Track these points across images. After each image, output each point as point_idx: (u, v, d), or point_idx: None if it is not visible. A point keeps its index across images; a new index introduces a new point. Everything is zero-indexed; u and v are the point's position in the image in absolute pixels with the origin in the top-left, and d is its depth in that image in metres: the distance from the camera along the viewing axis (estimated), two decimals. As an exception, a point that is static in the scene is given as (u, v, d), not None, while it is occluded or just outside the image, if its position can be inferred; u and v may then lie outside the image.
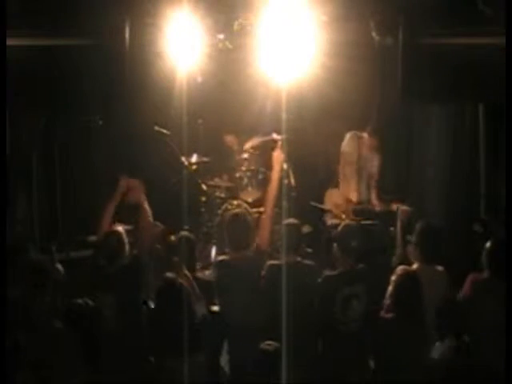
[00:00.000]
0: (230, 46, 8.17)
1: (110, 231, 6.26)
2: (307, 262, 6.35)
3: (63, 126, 8.84)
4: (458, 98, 7.79)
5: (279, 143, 7.22)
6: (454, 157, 8.76)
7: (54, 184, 8.81)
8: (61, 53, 7.23)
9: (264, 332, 5.92)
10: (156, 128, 8.63)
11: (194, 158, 8.84)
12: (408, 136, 9.04)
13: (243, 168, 8.76)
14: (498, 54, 6.56)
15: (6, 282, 5.62)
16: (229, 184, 8.88)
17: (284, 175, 8.01)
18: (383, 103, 8.31)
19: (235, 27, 7.88)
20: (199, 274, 6.82)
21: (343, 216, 8.13)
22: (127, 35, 7.19)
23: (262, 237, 6.49)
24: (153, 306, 6.13)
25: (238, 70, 8.44)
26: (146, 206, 6.40)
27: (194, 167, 8.82)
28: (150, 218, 6.36)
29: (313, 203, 8.50)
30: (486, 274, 5.97)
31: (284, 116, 7.23)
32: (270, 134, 8.48)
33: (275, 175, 6.77)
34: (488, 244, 5.99)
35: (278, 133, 8.24)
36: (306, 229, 7.74)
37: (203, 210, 8.81)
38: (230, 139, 9.22)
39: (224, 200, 8.67)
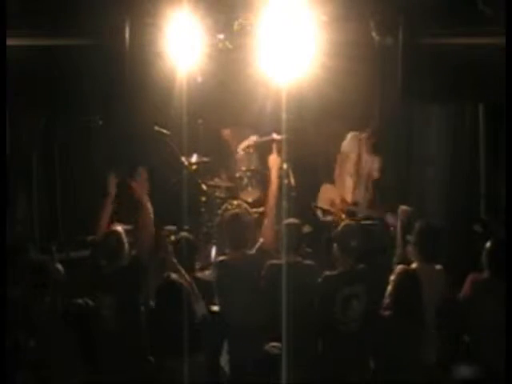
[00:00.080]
0: (230, 46, 8.17)
1: (110, 231, 6.26)
2: (307, 261, 6.35)
3: (63, 126, 8.83)
4: (458, 98, 7.80)
5: (274, 146, 7.21)
6: (454, 157, 8.75)
7: (54, 184, 8.81)
8: (61, 53, 7.24)
9: (264, 332, 5.92)
10: (156, 128, 8.62)
11: (194, 158, 8.83)
12: (408, 136, 9.04)
13: (243, 168, 8.75)
14: (497, 54, 6.56)
15: (6, 281, 5.62)
16: (229, 184, 8.88)
17: (284, 175, 8.01)
18: (383, 103, 8.31)
19: (235, 27, 7.88)
20: (199, 274, 6.82)
21: (337, 214, 8.14)
22: (127, 35, 7.20)
23: (267, 237, 6.48)
24: (152, 306, 6.12)
25: (237, 70, 8.43)
26: (148, 204, 6.39)
27: (194, 167, 8.81)
28: (151, 216, 6.35)
29: (314, 204, 8.50)
30: (486, 274, 5.96)
31: (284, 116, 7.22)
32: (269, 133, 8.48)
33: (274, 179, 6.77)
34: (488, 244, 5.99)
35: (278, 133, 8.24)
36: (306, 229, 7.73)
37: (203, 209, 8.80)
38: (227, 133, 9.22)
39: (224, 200, 8.66)
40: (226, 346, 6.38)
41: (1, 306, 5.38)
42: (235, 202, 8.48)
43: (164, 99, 8.21)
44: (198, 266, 7.02)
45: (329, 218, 8.27)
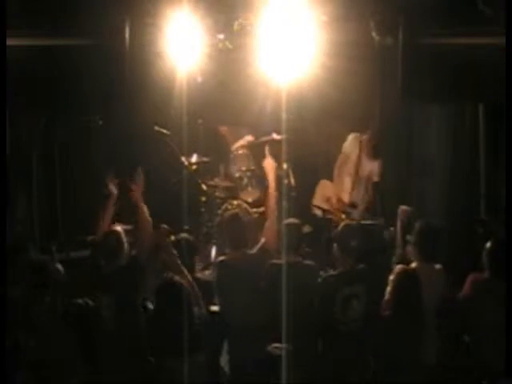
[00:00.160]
0: (230, 46, 8.16)
1: (109, 231, 6.26)
2: (307, 262, 6.35)
3: (63, 126, 8.83)
4: (458, 98, 7.80)
5: (267, 149, 7.20)
6: (454, 157, 8.75)
7: (54, 184, 8.81)
8: (61, 53, 7.24)
9: (264, 332, 5.93)
10: (156, 128, 8.62)
11: (194, 158, 8.83)
12: (408, 136, 9.03)
13: (243, 168, 8.75)
14: (497, 54, 6.56)
15: (6, 281, 5.62)
16: (229, 184, 8.88)
17: (284, 175, 8.01)
18: (383, 103, 8.30)
19: (235, 27, 7.88)
20: (199, 274, 6.82)
21: (336, 214, 8.15)
22: (127, 35, 7.20)
23: (268, 237, 6.48)
24: (152, 307, 6.12)
25: (237, 70, 8.43)
26: (144, 207, 6.39)
27: (194, 167, 8.81)
28: (148, 217, 6.35)
29: (314, 205, 8.50)
30: (486, 274, 5.96)
31: (284, 116, 7.23)
32: (269, 133, 8.48)
33: (271, 183, 6.78)
34: (488, 244, 5.99)
35: (278, 133, 8.24)
36: (306, 229, 7.73)
37: (203, 209, 8.80)
38: (224, 129, 9.23)
39: (224, 200, 8.66)
40: (226, 346, 6.38)
41: (1, 306, 5.38)
42: (235, 202, 8.47)
43: (164, 99, 8.20)
44: (198, 266, 7.03)
45: (328, 216, 8.26)
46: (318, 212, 8.44)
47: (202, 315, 5.99)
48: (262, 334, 5.95)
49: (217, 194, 8.81)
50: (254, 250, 6.45)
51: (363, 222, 7.89)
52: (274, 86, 7.64)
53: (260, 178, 8.51)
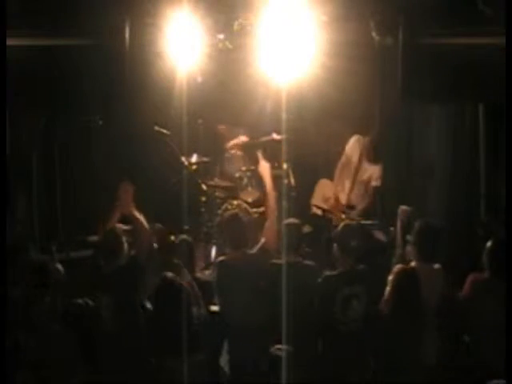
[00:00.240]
0: (230, 46, 8.16)
1: (108, 230, 6.27)
2: (307, 262, 6.36)
3: (63, 126, 8.82)
4: (458, 98, 7.79)
5: (260, 154, 7.19)
6: (454, 157, 8.74)
7: (54, 184, 8.80)
8: (61, 53, 7.24)
9: (264, 332, 5.93)
10: (156, 128, 8.62)
11: (194, 158, 8.83)
12: (408, 136, 9.02)
13: (243, 168, 8.75)
14: (497, 54, 6.56)
15: (6, 281, 5.62)
16: (229, 184, 8.88)
17: (284, 175, 8.02)
18: (383, 103, 8.30)
19: (235, 27, 7.87)
20: (199, 274, 6.83)
21: (336, 214, 8.15)
22: (127, 35, 7.19)
23: (269, 237, 6.48)
24: (151, 307, 6.12)
25: (237, 70, 8.43)
26: (137, 213, 6.37)
27: (194, 167, 8.81)
28: (145, 224, 6.34)
29: (314, 204, 8.50)
30: (486, 274, 5.96)
31: (284, 116, 7.23)
32: (270, 133, 8.48)
33: (269, 185, 6.78)
34: (488, 244, 5.99)
35: (278, 133, 8.24)
36: (306, 229, 7.73)
37: (203, 209, 8.80)
38: (221, 128, 9.22)
39: (224, 200, 8.66)
40: (226, 346, 6.38)
41: (1, 306, 5.38)
42: (235, 202, 8.48)
43: (164, 99, 8.20)
44: (198, 267, 7.03)
45: (328, 216, 8.26)
46: (318, 212, 8.45)
47: (201, 315, 5.99)
48: (262, 334, 5.95)
49: (217, 193, 8.81)
50: (254, 250, 6.45)
51: (363, 222, 7.89)
52: (273, 86, 7.64)
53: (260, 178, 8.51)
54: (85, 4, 7.07)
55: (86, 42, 7.16)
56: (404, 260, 6.41)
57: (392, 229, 7.76)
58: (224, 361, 6.40)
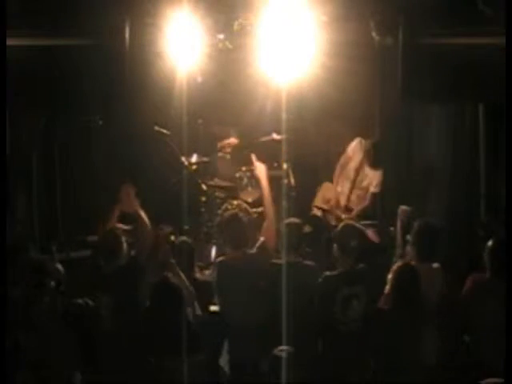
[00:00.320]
0: (230, 46, 8.17)
1: (108, 230, 6.27)
2: (307, 262, 6.35)
3: (63, 126, 8.83)
4: (458, 98, 7.79)
5: (254, 157, 7.19)
6: (454, 157, 8.75)
7: (54, 184, 8.81)
8: (61, 53, 7.23)
9: (264, 332, 5.92)
10: (156, 128, 8.62)
11: (194, 158, 8.84)
12: (408, 136, 9.03)
13: (243, 168, 8.76)
14: (497, 54, 6.56)
15: (6, 281, 5.62)
16: (229, 184, 8.88)
17: (284, 175, 8.02)
18: (383, 103, 8.30)
19: (235, 27, 7.88)
20: (198, 275, 6.82)
21: (337, 215, 8.16)
22: (127, 35, 7.19)
23: (268, 237, 6.48)
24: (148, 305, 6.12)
25: (238, 70, 8.44)
26: (142, 213, 6.40)
27: (194, 167, 8.82)
28: (148, 224, 6.35)
29: (315, 205, 8.51)
30: (486, 275, 5.96)
31: (284, 116, 7.23)
32: (270, 133, 8.49)
33: (265, 187, 6.77)
34: (489, 244, 5.99)
35: (278, 133, 8.25)
36: (306, 229, 7.73)
37: (203, 209, 8.81)
38: (217, 127, 9.23)
39: (224, 200, 8.66)
40: (226, 346, 6.38)
41: (1, 306, 5.38)
42: (235, 202, 8.48)
43: (164, 99, 8.21)
44: (198, 267, 7.03)
45: (328, 216, 8.26)
46: (318, 212, 8.45)
47: (196, 317, 5.99)
48: (262, 334, 5.95)
49: (217, 193, 8.82)
50: (254, 250, 6.45)
51: (363, 222, 7.89)
52: (273, 86, 7.65)
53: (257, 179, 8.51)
54: (85, 4, 7.07)
55: (86, 42, 7.16)
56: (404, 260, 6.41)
57: (392, 229, 7.77)
58: (224, 361, 6.40)
